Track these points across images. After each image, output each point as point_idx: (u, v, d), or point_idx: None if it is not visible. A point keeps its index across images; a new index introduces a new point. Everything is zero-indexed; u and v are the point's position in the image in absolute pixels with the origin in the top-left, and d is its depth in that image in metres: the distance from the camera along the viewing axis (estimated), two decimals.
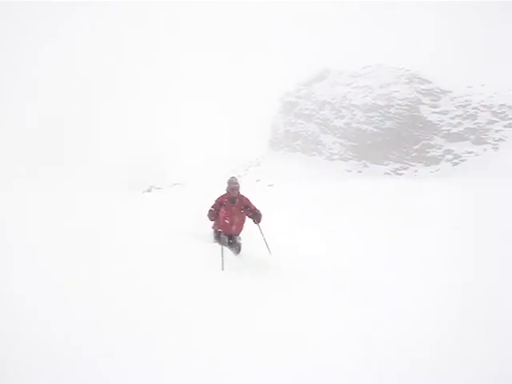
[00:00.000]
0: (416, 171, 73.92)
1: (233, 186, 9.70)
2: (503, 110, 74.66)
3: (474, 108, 76.21)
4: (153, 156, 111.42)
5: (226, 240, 9.57)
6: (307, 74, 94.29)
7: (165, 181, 70.26)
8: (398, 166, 75.81)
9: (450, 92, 78.73)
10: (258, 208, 9.82)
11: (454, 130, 75.43)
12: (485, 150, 72.29)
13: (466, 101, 77.16)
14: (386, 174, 74.99)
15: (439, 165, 73.35)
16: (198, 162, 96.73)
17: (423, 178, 65.98)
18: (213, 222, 9.88)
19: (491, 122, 74.27)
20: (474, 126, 74.73)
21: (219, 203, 9.60)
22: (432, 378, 4.61)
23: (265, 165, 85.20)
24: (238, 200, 9.69)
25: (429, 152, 75.11)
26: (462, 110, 76.65)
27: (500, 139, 72.31)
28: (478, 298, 7.00)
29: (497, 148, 71.56)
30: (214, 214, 9.55)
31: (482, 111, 75.63)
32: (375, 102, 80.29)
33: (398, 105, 78.43)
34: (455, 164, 72.23)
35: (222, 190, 10.03)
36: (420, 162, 74.99)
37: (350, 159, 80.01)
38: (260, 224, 9.93)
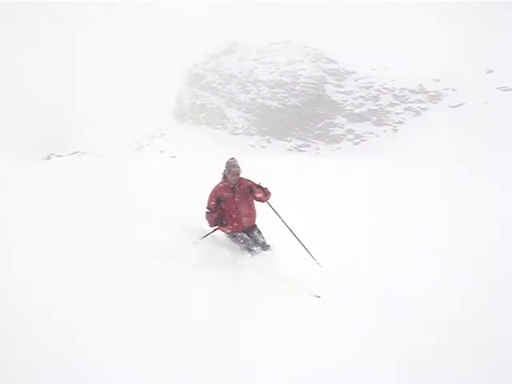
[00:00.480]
0: (318, 149, 72.48)
1: (234, 170, 7.59)
2: (404, 93, 74.65)
3: (376, 90, 75.71)
4: (55, 125, 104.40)
5: (245, 236, 7.60)
6: (215, 47, 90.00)
7: (65, 149, 64.77)
8: (300, 143, 73.99)
9: (354, 73, 77.68)
10: (263, 186, 7.67)
11: (357, 111, 74.52)
12: (385, 131, 71.96)
13: (370, 82, 76.47)
14: (289, 150, 72.97)
15: (340, 144, 72.20)
16: (101, 131, 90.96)
17: (325, 155, 64.85)
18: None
19: (392, 105, 73.99)
20: (376, 108, 74.22)
21: (216, 200, 7.58)
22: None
23: (169, 136, 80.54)
24: (238, 186, 7.65)
25: (331, 131, 73.75)
26: (365, 91, 75.87)
27: (400, 122, 72.20)
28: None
29: (396, 130, 71.40)
30: (214, 218, 7.56)
31: (384, 93, 75.25)
32: (281, 79, 77.73)
33: (303, 83, 76.45)
34: (356, 144, 71.40)
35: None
36: (322, 140, 73.51)
37: (255, 134, 77.26)
38: (270, 203, 7.86)
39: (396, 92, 74.95)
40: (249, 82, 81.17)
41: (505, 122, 62.59)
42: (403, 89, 74.89)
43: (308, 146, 73.57)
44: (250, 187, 7.53)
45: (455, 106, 70.89)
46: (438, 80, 75.05)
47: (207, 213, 7.49)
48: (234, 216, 7.49)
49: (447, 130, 66.33)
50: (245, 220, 7.54)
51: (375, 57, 78.17)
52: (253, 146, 75.00)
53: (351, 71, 77.99)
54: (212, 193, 7.51)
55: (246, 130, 78.21)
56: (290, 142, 74.46)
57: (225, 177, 7.63)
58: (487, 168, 27.15)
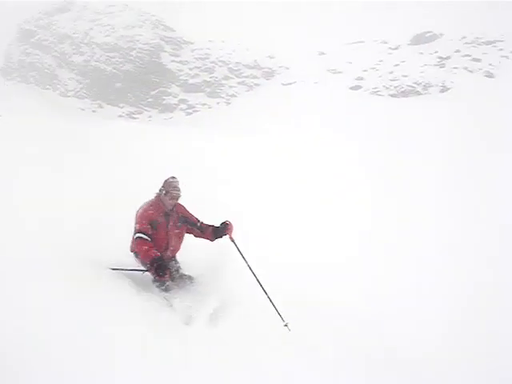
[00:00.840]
0: (150, 117, 70.80)
1: (175, 193, 5.97)
2: (239, 67, 75.22)
3: (212, 62, 75.45)
4: None
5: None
6: (49, 4, 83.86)
7: None
8: (133, 109, 71.67)
9: (192, 43, 76.95)
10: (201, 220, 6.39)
11: (191, 81, 73.77)
12: (218, 103, 72.08)
13: (206, 54, 76.04)
14: (120, 116, 70.29)
15: (173, 113, 71.25)
16: None
17: (158, 124, 63.62)
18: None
19: (226, 78, 74.30)
20: (211, 80, 74.00)
21: (148, 223, 5.79)
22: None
23: None
24: (174, 213, 6.08)
25: (165, 99, 72.42)
26: (200, 62, 75.34)
27: (233, 95, 72.73)
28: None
29: (229, 103, 71.95)
30: (151, 247, 5.66)
31: (220, 66, 75.23)
32: (117, 43, 74.51)
33: (139, 48, 74.02)
34: (189, 114, 70.91)
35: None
36: (155, 108, 71.85)
37: (86, 98, 73.50)
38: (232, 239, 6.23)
39: (231, 65, 75.39)
40: (83, 43, 77.05)
41: (333, 100, 65.19)
42: (238, 63, 75.54)
43: (140, 113, 71.68)
44: (184, 218, 6.21)
45: (287, 84, 72.81)
46: (272, 57, 76.71)
47: (141, 239, 5.69)
48: (159, 247, 5.88)
49: (279, 106, 68.03)
50: (168, 253, 6.09)
51: (213, 29, 78.05)
52: (83, 109, 71.58)
53: (188, 41, 77.10)
54: (143, 213, 5.85)
55: (77, 92, 74.37)
56: (122, 108, 72.02)
57: (159, 197, 6.03)
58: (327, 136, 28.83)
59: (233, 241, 6.12)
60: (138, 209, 6.01)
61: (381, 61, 76.64)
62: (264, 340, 4.99)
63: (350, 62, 77.23)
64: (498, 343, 5.56)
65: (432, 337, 5.52)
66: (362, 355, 4.97)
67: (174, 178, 6.10)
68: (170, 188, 5.96)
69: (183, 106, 71.86)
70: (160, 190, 6.01)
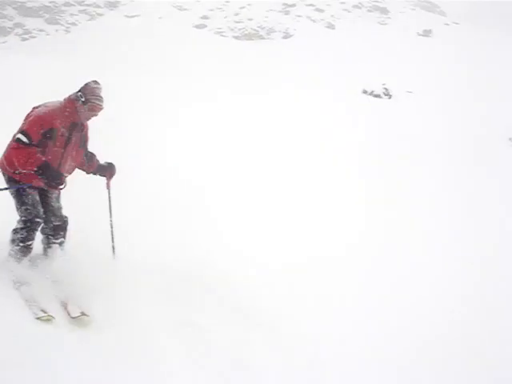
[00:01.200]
0: None
1: (98, 105, 4.49)
2: None
3: None
4: None
5: (37, 198, 4.41)
6: None
7: None
8: None
9: None
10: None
11: (29, 5, 70.62)
12: (57, 30, 70.13)
13: None
14: None
15: (7, 37, 68.64)
16: None
17: None
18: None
19: (68, 5, 71.78)
20: (50, 5, 71.32)
21: (43, 132, 4.25)
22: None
23: None
24: (82, 128, 4.69)
25: None
26: None
27: (73, 23, 70.86)
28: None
29: (69, 31, 70.33)
30: (34, 152, 4.22)
31: None
32: None
33: None
34: (24, 39, 68.60)
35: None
36: None
37: None
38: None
39: None
40: None
41: (177, 36, 65.50)
42: None
43: None
44: (86, 142, 4.89)
45: (131, 16, 72.29)
46: None
47: (22, 143, 4.18)
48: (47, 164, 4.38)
49: (120, 38, 67.51)
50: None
51: None
52: None
53: None
54: (44, 116, 4.31)
55: None
56: None
57: (73, 103, 4.48)
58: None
59: (108, 188, 5.12)
60: (35, 108, 4.52)
61: (227, 1, 77.60)
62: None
63: (197, 0, 77.54)
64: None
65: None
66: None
67: (97, 83, 4.63)
68: (91, 96, 4.50)
69: (19, 31, 69.39)
70: (77, 96, 4.51)
